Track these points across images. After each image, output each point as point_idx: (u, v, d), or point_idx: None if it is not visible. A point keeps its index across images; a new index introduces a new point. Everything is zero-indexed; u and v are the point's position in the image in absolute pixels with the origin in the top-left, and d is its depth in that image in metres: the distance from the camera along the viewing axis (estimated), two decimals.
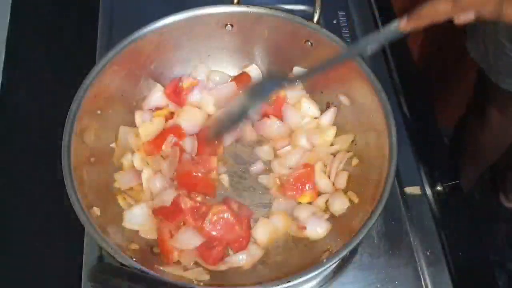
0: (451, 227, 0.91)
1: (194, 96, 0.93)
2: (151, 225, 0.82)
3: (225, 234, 0.80)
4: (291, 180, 0.86)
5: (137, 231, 0.81)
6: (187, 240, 0.78)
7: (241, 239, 0.81)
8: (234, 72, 0.97)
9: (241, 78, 0.95)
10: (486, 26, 1.32)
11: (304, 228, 0.81)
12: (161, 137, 0.88)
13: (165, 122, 0.91)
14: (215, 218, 0.80)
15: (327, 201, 0.85)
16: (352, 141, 0.88)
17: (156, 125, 0.90)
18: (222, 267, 0.78)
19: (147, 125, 0.89)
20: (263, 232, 0.82)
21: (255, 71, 0.96)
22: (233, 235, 0.80)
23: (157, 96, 0.92)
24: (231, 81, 0.96)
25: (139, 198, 0.85)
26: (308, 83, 0.93)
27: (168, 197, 0.83)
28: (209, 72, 0.96)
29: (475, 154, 1.74)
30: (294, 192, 0.86)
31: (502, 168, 2.05)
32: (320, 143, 0.89)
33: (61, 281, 0.86)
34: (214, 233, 0.79)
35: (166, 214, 0.81)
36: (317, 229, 0.81)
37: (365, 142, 0.84)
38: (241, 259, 0.79)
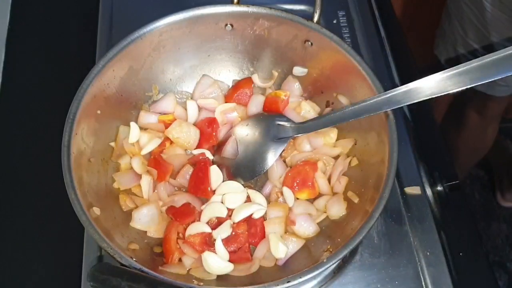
0: (451, 227, 0.91)
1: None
2: (159, 226, 0.81)
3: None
4: (290, 174, 0.86)
5: (137, 231, 0.80)
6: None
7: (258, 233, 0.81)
8: (234, 74, 0.97)
9: (243, 83, 0.95)
10: (455, 29, 1.33)
11: (294, 223, 0.81)
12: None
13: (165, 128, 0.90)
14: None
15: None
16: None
17: (155, 142, 0.88)
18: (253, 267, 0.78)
19: (146, 137, 0.88)
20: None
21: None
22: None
23: (168, 102, 0.92)
24: (231, 87, 0.96)
25: (140, 198, 0.84)
26: (307, 85, 0.94)
27: (179, 200, 0.83)
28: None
29: (457, 154, 1.75)
30: (296, 188, 0.85)
31: (498, 167, 2.06)
32: (323, 145, 0.89)
33: (61, 281, 0.86)
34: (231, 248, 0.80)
35: (176, 214, 0.81)
36: (305, 228, 0.81)
37: (365, 142, 0.84)
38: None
